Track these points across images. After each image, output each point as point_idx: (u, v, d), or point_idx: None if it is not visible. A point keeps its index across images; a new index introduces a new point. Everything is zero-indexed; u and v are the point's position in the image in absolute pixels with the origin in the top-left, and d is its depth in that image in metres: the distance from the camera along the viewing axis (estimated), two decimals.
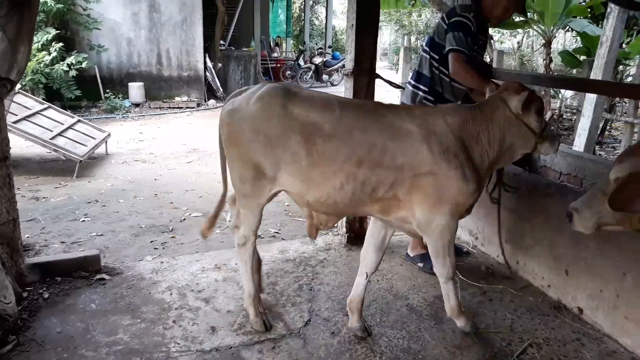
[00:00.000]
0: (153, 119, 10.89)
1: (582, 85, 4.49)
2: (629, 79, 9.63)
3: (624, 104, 9.64)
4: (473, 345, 2.85)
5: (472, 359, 2.73)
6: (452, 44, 3.20)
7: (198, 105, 12.22)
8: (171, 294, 3.30)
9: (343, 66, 18.03)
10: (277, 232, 4.68)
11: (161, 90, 12.28)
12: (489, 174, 2.82)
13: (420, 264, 3.69)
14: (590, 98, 6.81)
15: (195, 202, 5.45)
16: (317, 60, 17.43)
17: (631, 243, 2.80)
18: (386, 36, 30.45)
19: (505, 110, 2.65)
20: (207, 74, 12.89)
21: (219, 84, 13.20)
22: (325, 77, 17.48)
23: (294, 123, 2.56)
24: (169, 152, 7.85)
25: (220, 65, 13.67)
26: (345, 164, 2.52)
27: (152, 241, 4.33)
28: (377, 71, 3.93)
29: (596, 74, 6.72)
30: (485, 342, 2.88)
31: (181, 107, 11.93)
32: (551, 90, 9.89)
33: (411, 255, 3.77)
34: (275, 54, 19.28)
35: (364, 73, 3.88)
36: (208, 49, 13.15)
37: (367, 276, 2.93)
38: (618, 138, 9.41)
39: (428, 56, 3.51)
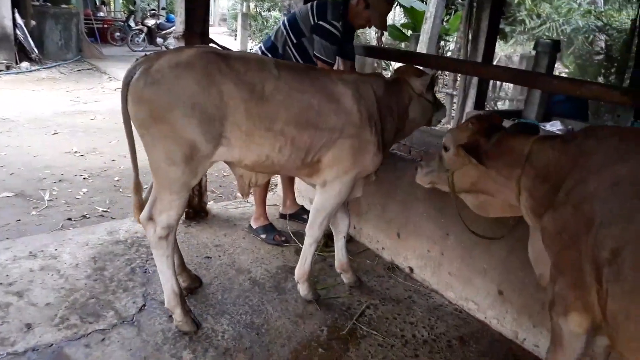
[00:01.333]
0: None
1: (409, 58, 4.75)
2: (449, 53, 10.57)
3: (444, 76, 10.58)
4: (315, 312, 2.89)
5: (314, 327, 2.76)
6: (321, 54, 3.27)
7: (7, 68, 10.65)
8: None
9: None
10: (105, 211, 4.27)
11: None
12: (390, 147, 3.03)
13: (263, 235, 3.64)
14: None
15: (5, 180, 4.73)
16: (150, 22, 16.30)
17: (452, 205, 3.03)
18: (224, 1, 29.57)
19: (410, 90, 2.87)
20: (18, 32, 11.22)
21: (32, 44, 11.59)
22: (159, 40, 16.44)
23: (232, 88, 2.35)
24: None
25: (34, 23, 12.00)
26: (285, 126, 2.47)
27: None
28: (215, 36, 3.72)
29: (422, 47, 7.22)
30: (327, 308, 2.93)
31: None
32: (382, 62, 10.46)
33: (254, 227, 3.69)
34: (101, 14, 17.61)
35: (196, 37, 3.62)
36: (18, 3, 11.41)
37: (344, 238, 3.13)
38: None
39: (285, 34, 3.42)
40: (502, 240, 2.74)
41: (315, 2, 3.39)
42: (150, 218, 2.51)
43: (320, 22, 3.26)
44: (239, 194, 4.60)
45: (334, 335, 2.72)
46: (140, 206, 2.58)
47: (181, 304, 2.62)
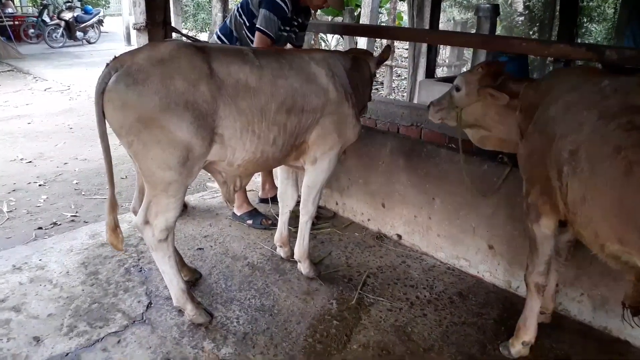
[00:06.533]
0: None
1: (352, 30, 4.92)
2: (383, 24, 10.75)
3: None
4: (320, 288, 2.97)
5: (323, 301, 2.84)
6: (262, 25, 3.18)
7: None
8: None
9: (99, 21, 16.34)
10: (75, 216, 4.10)
11: None
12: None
13: (249, 221, 3.65)
14: (360, 43, 7.45)
15: None
16: (67, 15, 15.36)
17: (436, 171, 3.19)
18: None
19: (369, 69, 3.07)
20: None
21: None
22: (79, 34, 15.59)
23: (219, 82, 2.28)
24: None
25: None
26: (277, 115, 2.47)
27: None
28: None
29: (364, 20, 7.33)
30: (330, 282, 3.02)
31: None
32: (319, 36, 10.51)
33: (238, 215, 3.70)
34: (9, 10, 16.42)
35: (158, 26, 3.55)
36: None
37: (289, 213, 3.20)
38: (379, 80, 10.53)
39: (240, 20, 3.40)
40: (488, 199, 2.92)
41: None
42: (146, 222, 2.43)
43: None
44: (209, 184, 4.60)
45: (344, 306, 2.81)
46: (115, 227, 2.45)
47: (190, 298, 2.61)
